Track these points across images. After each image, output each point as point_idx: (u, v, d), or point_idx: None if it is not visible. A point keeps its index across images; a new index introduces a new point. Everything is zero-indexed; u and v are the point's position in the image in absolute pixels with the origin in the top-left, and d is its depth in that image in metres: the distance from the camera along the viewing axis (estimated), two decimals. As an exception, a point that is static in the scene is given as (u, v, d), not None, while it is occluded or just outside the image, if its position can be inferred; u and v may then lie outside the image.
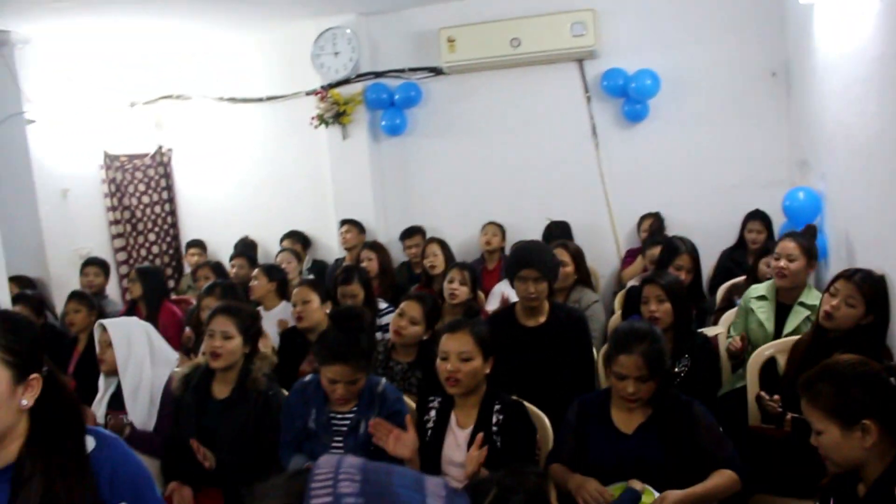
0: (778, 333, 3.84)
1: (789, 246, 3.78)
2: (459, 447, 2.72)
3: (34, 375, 1.63)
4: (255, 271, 4.80)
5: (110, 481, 1.73)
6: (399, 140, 6.42)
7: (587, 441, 2.66)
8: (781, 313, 3.86)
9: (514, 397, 2.83)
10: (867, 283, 3.09)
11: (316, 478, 0.81)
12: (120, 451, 1.80)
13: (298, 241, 6.50)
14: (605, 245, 6.12)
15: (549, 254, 3.57)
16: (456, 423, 2.78)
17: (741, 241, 5.51)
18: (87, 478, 1.68)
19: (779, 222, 5.11)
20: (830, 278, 3.28)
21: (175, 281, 7.10)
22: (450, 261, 5.13)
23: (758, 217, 5.40)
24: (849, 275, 3.15)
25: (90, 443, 1.73)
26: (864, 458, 1.98)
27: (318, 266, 6.47)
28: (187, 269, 6.94)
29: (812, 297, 3.82)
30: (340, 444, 2.87)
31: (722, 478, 2.57)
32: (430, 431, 2.80)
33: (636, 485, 2.51)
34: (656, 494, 2.48)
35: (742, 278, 4.74)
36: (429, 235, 5.83)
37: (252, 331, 3.22)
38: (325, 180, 6.52)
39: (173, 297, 6.02)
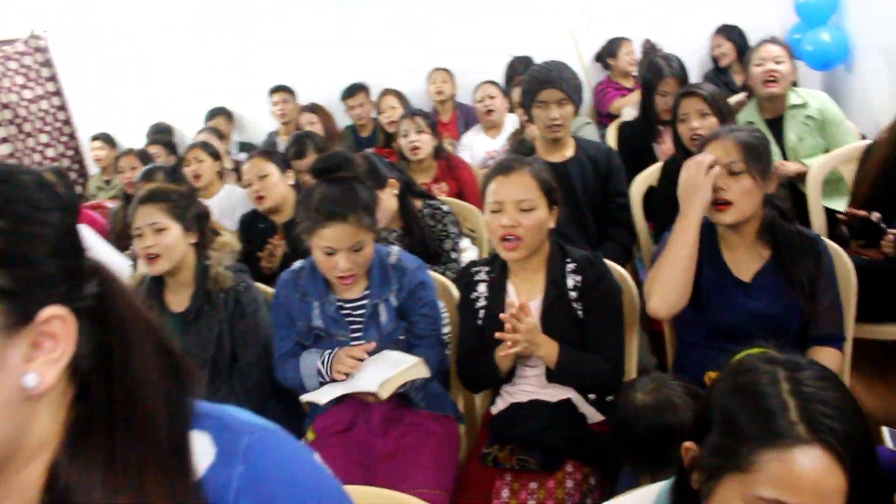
0: (782, 149, 3.40)
1: (773, 49, 3.37)
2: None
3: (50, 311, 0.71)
4: (194, 151, 3.92)
5: None
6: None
7: (700, 291, 2.06)
8: (775, 129, 3.42)
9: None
10: None
11: None
12: (274, 467, 0.79)
13: (228, 119, 5.62)
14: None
15: (571, 71, 2.94)
16: (517, 296, 2.13)
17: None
18: None
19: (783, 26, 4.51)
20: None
21: (81, 186, 6.11)
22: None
23: (719, 31, 4.95)
24: None
25: (204, 450, 0.78)
26: None
27: (247, 148, 5.59)
28: (93, 171, 5.95)
29: (799, 96, 3.40)
30: (360, 340, 2.20)
31: (833, 364, 2.03)
32: (482, 311, 2.15)
33: None
34: None
35: (741, 96, 4.21)
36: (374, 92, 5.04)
37: (191, 213, 2.47)
38: (240, 45, 5.50)
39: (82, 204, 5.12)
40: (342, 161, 2.24)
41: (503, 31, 5.24)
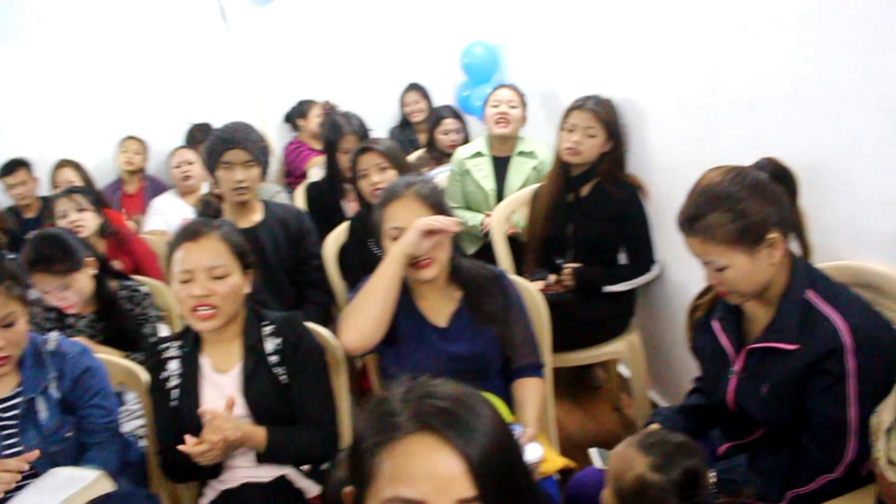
0: (500, 190, 3.62)
1: (507, 93, 3.65)
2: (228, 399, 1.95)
3: None
4: None
5: None
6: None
7: (399, 342, 2.07)
8: (500, 169, 3.67)
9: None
10: (602, 108, 2.94)
11: None
12: None
13: None
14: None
15: (258, 133, 2.87)
16: (213, 369, 2.00)
17: (406, 118, 5.25)
18: None
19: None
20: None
21: None
22: (90, 186, 4.05)
23: (412, 88, 5.22)
24: (580, 105, 2.96)
25: None
26: (773, 275, 1.69)
27: None
28: None
29: (528, 144, 3.68)
30: (17, 446, 1.92)
31: (538, 392, 2.14)
32: (176, 391, 1.98)
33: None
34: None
35: (420, 151, 4.51)
36: (49, 164, 4.49)
37: None
38: None
39: None
40: None
41: (185, 98, 5.03)
